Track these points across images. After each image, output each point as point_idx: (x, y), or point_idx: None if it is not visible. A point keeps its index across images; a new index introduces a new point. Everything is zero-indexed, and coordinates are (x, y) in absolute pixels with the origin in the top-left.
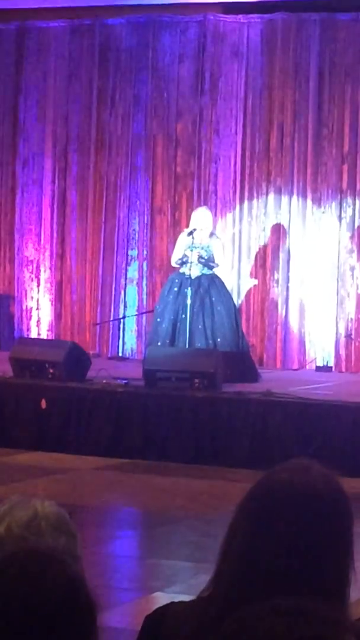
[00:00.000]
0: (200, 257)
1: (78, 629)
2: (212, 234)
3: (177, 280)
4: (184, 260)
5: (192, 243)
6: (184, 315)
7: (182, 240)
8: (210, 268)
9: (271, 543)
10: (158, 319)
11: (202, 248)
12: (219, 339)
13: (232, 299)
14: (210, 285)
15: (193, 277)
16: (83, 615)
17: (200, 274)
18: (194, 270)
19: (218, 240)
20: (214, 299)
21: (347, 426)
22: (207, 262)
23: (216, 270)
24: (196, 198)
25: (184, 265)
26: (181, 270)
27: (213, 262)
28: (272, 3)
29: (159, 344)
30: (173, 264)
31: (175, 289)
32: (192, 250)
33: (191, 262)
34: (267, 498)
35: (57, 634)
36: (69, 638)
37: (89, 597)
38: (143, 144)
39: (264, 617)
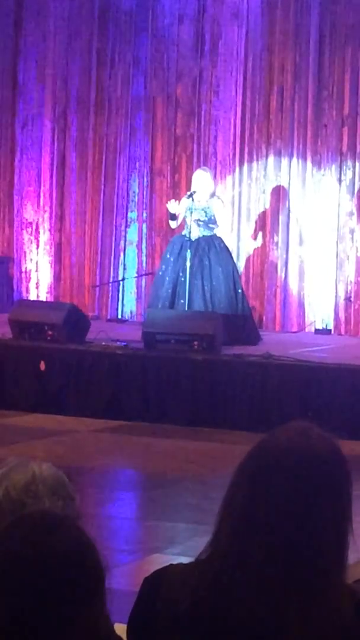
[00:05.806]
0: (197, 219)
1: (86, 591)
2: (212, 195)
3: (177, 243)
4: (175, 216)
5: (192, 205)
6: (183, 278)
7: (184, 201)
8: (210, 229)
9: (270, 505)
10: (158, 282)
11: (202, 209)
12: (217, 302)
13: (232, 261)
14: (209, 247)
15: (193, 239)
16: (91, 577)
17: (201, 235)
18: (194, 232)
19: (218, 201)
20: (212, 261)
21: (345, 389)
22: (206, 223)
23: (217, 232)
24: (196, 160)
25: (174, 222)
26: (183, 232)
27: (214, 223)
28: None
29: (159, 306)
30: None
31: (176, 251)
32: (191, 213)
33: (190, 225)
34: (266, 460)
35: (64, 594)
36: (76, 599)
37: (97, 560)
38: (142, 105)
39: None
